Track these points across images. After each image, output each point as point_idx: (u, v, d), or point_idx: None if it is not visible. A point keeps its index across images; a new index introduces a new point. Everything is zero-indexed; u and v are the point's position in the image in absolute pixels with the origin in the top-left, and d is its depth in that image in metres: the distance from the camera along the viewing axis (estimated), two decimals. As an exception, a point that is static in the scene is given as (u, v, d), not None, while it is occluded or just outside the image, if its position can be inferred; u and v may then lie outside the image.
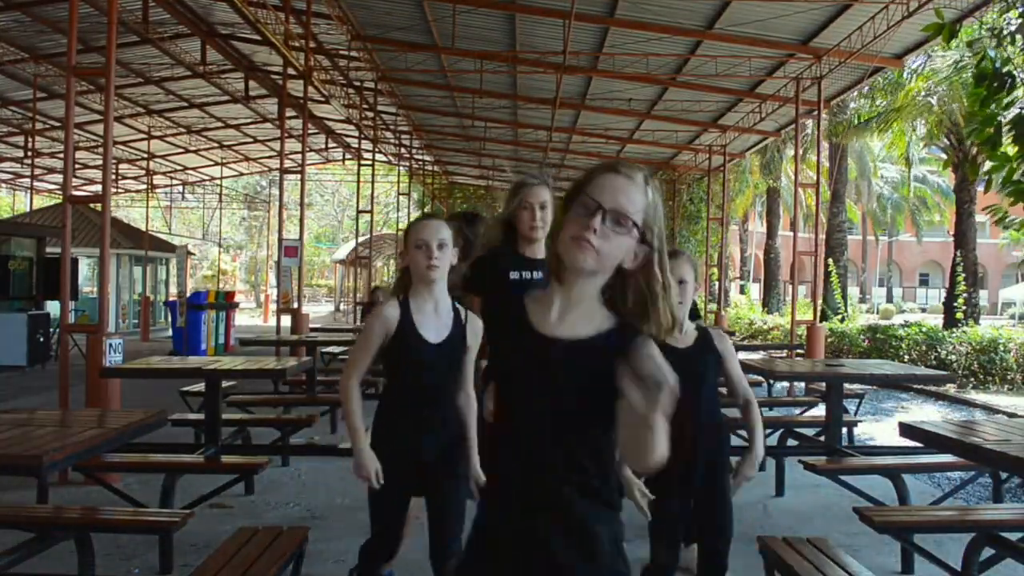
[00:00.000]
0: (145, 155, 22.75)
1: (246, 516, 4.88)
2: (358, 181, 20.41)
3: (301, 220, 13.93)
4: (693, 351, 2.97)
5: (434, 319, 2.78)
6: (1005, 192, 4.42)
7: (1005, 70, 4.27)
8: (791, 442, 5.82)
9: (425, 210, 29.02)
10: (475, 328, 2.84)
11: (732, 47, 11.24)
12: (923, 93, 17.10)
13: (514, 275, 3.17)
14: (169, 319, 17.81)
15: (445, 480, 2.79)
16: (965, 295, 17.36)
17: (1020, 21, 4.57)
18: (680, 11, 10.37)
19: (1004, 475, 4.93)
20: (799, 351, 11.33)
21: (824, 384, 6.14)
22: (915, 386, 12.59)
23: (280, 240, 13.02)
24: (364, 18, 12.80)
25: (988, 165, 4.49)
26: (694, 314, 3.50)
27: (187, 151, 23.84)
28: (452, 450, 2.80)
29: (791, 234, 13.87)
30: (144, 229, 24.12)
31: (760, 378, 8.32)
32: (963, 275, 17.45)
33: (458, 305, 2.87)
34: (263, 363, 5.57)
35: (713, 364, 3.01)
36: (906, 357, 14.12)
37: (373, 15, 12.68)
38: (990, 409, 10.95)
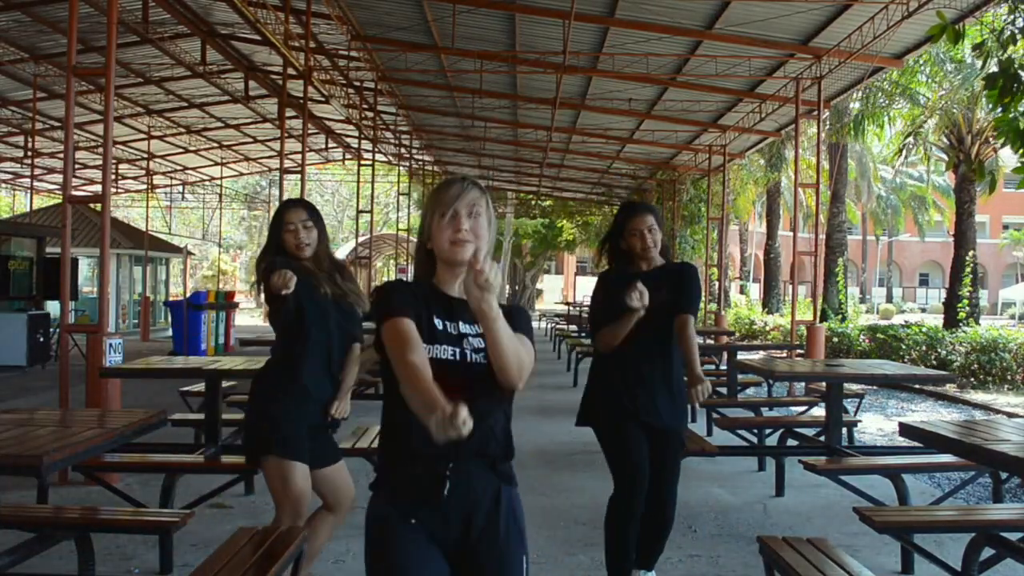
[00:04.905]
0: (145, 155, 22.71)
1: (246, 516, 4.88)
2: (358, 181, 20.41)
3: (300, 220, 13.88)
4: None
5: None
6: None
7: (1011, 71, 4.24)
8: (791, 442, 5.81)
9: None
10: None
11: (732, 47, 11.24)
12: (926, 95, 17.10)
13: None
14: (169, 319, 17.79)
15: None
16: (965, 295, 17.37)
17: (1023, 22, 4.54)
18: (680, 11, 10.37)
19: (1004, 475, 4.92)
20: (799, 351, 11.33)
21: (824, 384, 6.14)
22: (915, 386, 12.59)
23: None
24: (364, 18, 12.79)
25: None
26: None
27: (187, 151, 23.81)
28: None
29: (791, 234, 13.86)
30: (144, 229, 24.12)
31: (760, 378, 8.36)
32: (963, 275, 17.46)
33: None
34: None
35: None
36: (906, 357, 14.12)
37: (373, 15, 12.68)
38: (990, 409, 10.95)
